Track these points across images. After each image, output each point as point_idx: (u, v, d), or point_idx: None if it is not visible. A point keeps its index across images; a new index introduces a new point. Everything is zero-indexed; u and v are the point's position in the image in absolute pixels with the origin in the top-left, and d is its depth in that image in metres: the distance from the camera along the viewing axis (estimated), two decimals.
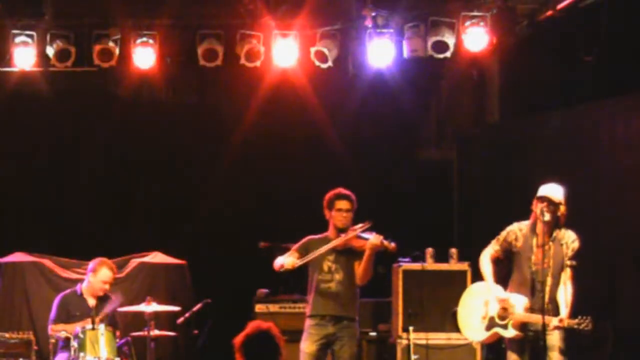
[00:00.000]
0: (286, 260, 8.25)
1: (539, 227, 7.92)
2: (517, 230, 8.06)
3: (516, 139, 11.27)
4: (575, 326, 7.61)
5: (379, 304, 10.52)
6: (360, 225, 8.25)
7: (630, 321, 9.59)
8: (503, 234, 8.11)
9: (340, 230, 8.30)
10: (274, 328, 5.41)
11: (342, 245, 8.24)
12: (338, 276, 8.27)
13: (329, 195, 8.38)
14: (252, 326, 5.39)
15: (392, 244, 8.16)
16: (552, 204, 7.81)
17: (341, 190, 8.38)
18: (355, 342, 8.35)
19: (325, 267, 8.27)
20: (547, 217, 7.81)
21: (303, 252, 8.34)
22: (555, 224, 7.91)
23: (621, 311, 9.70)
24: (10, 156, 11.35)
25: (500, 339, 8.12)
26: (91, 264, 9.66)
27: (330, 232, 8.37)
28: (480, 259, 8.17)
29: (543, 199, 7.84)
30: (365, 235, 8.22)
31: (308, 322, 8.33)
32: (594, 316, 7.60)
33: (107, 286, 9.59)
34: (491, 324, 8.03)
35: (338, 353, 8.25)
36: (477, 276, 9.00)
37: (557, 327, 7.69)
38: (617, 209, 9.80)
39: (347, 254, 8.27)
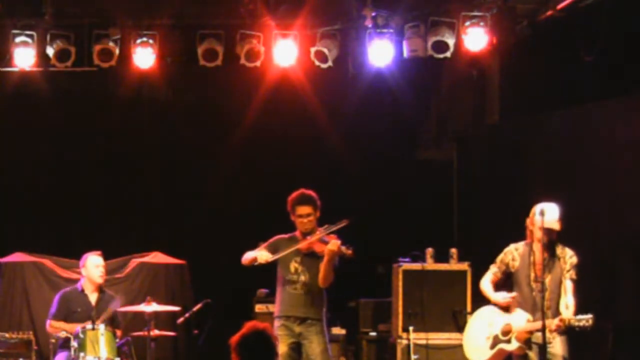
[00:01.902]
0: (260, 254, 8.28)
1: (536, 245, 7.96)
2: (513, 250, 8.13)
3: (516, 139, 11.26)
4: (576, 323, 7.62)
5: (379, 304, 10.53)
6: (325, 226, 8.27)
7: (630, 321, 9.58)
8: (500, 256, 8.20)
9: (305, 234, 8.33)
10: (270, 329, 5.42)
11: (306, 249, 8.26)
12: (304, 277, 8.33)
13: (290, 199, 8.39)
14: (248, 326, 5.40)
15: (349, 251, 8.16)
16: (552, 231, 7.85)
17: (302, 193, 8.37)
18: (324, 338, 8.35)
19: (292, 268, 8.35)
20: (546, 240, 7.84)
21: (272, 250, 8.41)
22: (552, 242, 7.95)
23: (621, 311, 9.70)
24: (10, 156, 11.35)
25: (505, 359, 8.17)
26: (80, 263, 9.71)
27: (298, 233, 8.42)
28: (481, 284, 8.24)
29: (547, 230, 7.83)
30: (326, 239, 8.24)
31: (276, 323, 8.41)
32: (595, 314, 7.61)
33: (102, 269, 9.61)
34: (495, 342, 8.07)
35: (308, 351, 8.29)
36: (478, 277, 9.01)
37: (558, 326, 7.70)
38: (617, 208, 9.79)
39: (312, 257, 8.33)
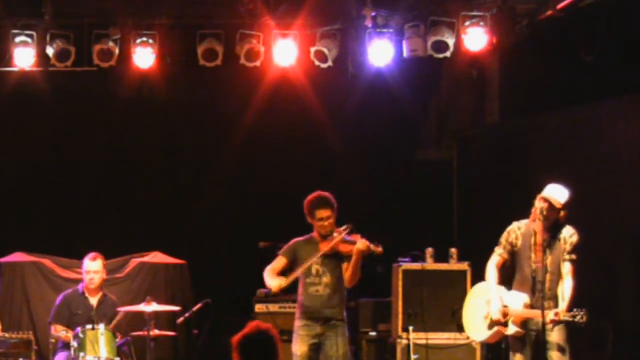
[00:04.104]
0: (272, 283, 8.22)
1: (538, 225, 7.94)
2: (516, 229, 8.10)
3: (516, 139, 11.27)
4: (571, 319, 7.65)
5: (379, 304, 10.52)
6: (344, 227, 8.24)
7: (631, 321, 9.58)
8: (504, 235, 8.14)
9: (325, 237, 8.30)
10: (273, 330, 5.36)
11: (330, 251, 8.23)
12: (326, 279, 8.28)
13: (308, 202, 8.30)
14: (251, 326, 5.34)
15: (380, 248, 8.15)
16: (552, 208, 7.84)
17: (320, 196, 8.29)
18: (346, 341, 8.35)
19: (314, 271, 8.28)
20: (546, 218, 7.84)
21: (291, 256, 8.35)
22: (554, 225, 7.94)
23: (621, 311, 9.70)
24: (10, 156, 11.35)
25: (502, 339, 8.16)
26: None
27: (316, 234, 8.36)
28: (487, 268, 8.18)
29: (545, 200, 7.87)
30: (351, 239, 8.21)
31: (297, 324, 8.35)
32: (592, 312, 7.61)
33: (91, 276, 9.62)
34: (493, 323, 8.05)
35: (329, 352, 8.25)
36: (477, 277, 9.01)
37: (553, 321, 7.72)
38: (617, 209, 9.79)
39: (334, 258, 8.28)
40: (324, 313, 8.25)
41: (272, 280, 8.26)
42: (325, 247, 8.23)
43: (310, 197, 8.32)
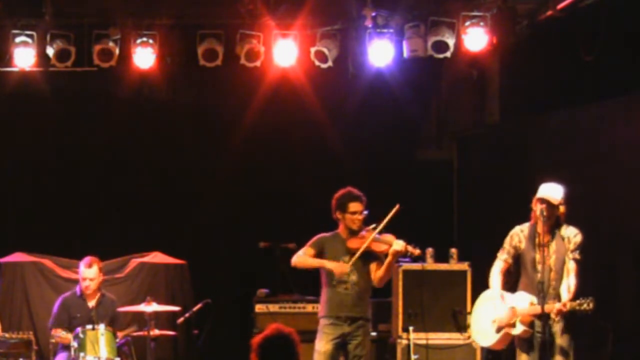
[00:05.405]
0: (334, 266, 8.15)
1: (540, 227, 7.95)
2: (518, 232, 8.10)
3: (516, 139, 11.27)
4: (577, 307, 7.64)
5: (379, 304, 10.49)
6: (372, 226, 8.24)
7: (631, 321, 9.58)
8: (507, 240, 8.14)
9: (354, 232, 8.29)
10: (294, 334, 5.25)
11: (365, 249, 8.20)
12: (354, 277, 8.25)
13: (340, 196, 8.29)
14: (272, 328, 5.26)
15: (417, 250, 8.16)
16: (550, 206, 7.85)
17: (353, 191, 8.30)
18: (369, 341, 8.37)
19: None
20: (547, 218, 7.84)
21: (318, 249, 8.31)
22: (555, 224, 7.95)
23: (621, 311, 9.70)
24: (10, 156, 11.35)
25: (509, 343, 8.16)
26: None
27: (342, 231, 8.32)
28: (490, 274, 8.18)
29: (542, 200, 7.88)
30: (382, 237, 8.20)
31: (323, 322, 8.29)
32: (593, 310, 7.62)
33: (87, 283, 9.57)
34: (500, 326, 8.05)
35: (354, 352, 8.24)
36: (478, 277, 9.00)
37: (560, 311, 7.71)
38: (617, 209, 9.79)
39: (364, 256, 8.25)
40: (353, 312, 8.23)
41: (329, 264, 8.18)
42: (352, 244, 8.21)
43: (342, 191, 8.32)
